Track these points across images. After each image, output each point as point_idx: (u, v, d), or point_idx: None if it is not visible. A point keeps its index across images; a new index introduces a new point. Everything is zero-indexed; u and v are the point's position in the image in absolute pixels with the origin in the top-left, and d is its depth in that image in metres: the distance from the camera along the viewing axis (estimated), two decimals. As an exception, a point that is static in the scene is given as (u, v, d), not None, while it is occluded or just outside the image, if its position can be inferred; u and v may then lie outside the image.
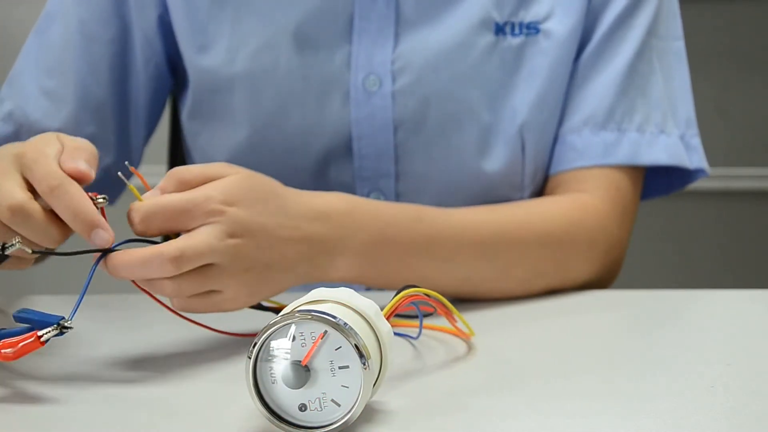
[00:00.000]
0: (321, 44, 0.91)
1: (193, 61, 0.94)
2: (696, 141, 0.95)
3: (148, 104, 0.98)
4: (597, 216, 0.89)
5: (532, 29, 0.92)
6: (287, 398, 0.52)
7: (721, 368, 0.65)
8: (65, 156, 0.65)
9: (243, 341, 0.71)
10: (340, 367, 0.52)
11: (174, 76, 0.99)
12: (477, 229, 0.81)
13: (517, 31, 0.92)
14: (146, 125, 0.99)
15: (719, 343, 0.72)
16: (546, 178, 0.96)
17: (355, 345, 0.51)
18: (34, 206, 0.62)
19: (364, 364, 0.51)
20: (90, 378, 0.63)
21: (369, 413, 0.55)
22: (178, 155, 1.16)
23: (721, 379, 0.62)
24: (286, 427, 0.52)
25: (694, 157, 0.95)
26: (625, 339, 0.74)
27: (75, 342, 0.72)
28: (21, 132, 0.93)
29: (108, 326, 0.77)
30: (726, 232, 2.32)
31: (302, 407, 0.52)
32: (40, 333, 0.57)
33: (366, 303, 0.55)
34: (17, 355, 0.57)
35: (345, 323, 0.51)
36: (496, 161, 0.93)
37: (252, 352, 0.52)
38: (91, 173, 0.65)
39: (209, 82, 0.94)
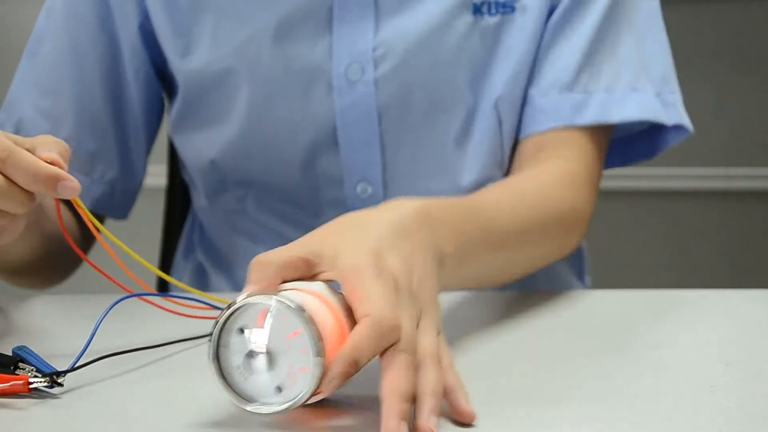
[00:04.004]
0: (302, 36, 0.91)
1: (178, 65, 0.94)
2: (674, 98, 0.94)
3: (144, 114, 0.98)
4: (583, 187, 0.90)
5: (507, 8, 0.92)
6: (262, 387, 0.53)
7: (721, 368, 0.65)
8: (40, 147, 0.66)
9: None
10: (290, 336, 0.52)
11: (163, 82, 0.99)
12: (513, 216, 0.81)
13: (493, 10, 0.92)
14: (146, 135, 0.99)
15: (719, 343, 0.72)
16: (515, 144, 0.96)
17: (290, 305, 0.52)
18: None
19: (304, 317, 0.52)
20: (87, 375, 0.62)
21: (362, 414, 0.55)
22: (178, 156, 1.16)
23: (721, 379, 0.62)
24: (275, 411, 0.53)
25: (672, 113, 0.94)
26: (624, 339, 0.74)
27: (71, 339, 0.72)
28: None
29: (103, 325, 0.77)
30: (726, 232, 2.32)
31: (279, 388, 0.53)
32: (31, 380, 0.58)
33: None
34: (0, 393, 0.58)
35: (275, 292, 0.53)
36: (478, 140, 0.93)
37: (212, 367, 0.53)
38: (62, 162, 0.66)
39: (195, 85, 0.94)
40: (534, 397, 0.59)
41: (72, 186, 0.65)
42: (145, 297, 0.70)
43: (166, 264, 1.15)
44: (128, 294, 0.67)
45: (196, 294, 0.71)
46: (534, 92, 0.93)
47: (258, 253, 0.98)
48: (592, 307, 0.82)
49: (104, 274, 0.69)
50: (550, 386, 0.61)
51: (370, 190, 0.94)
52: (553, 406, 0.57)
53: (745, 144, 2.27)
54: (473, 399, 0.58)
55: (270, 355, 0.53)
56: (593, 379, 0.63)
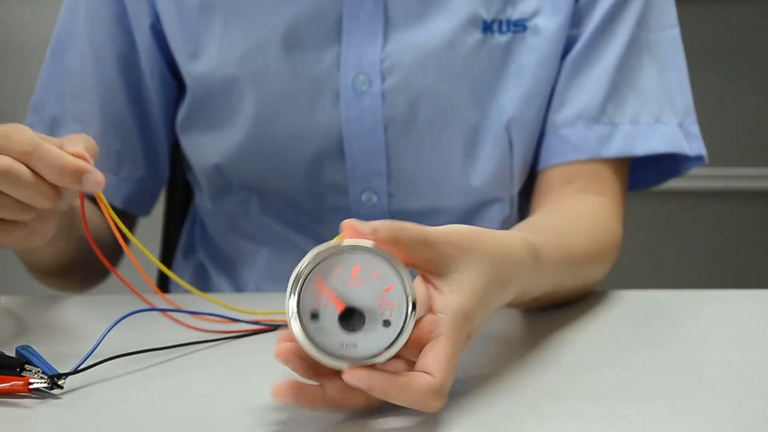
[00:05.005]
0: (310, 45, 0.92)
1: (186, 68, 0.94)
2: (695, 128, 0.95)
3: (163, 113, 0.99)
4: (617, 220, 0.91)
5: (519, 26, 0.92)
6: (336, 339, 0.53)
7: (721, 368, 0.65)
8: (67, 143, 0.68)
9: (240, 339, 0.71)
10: (385, 291, 0.53)
11: (178, 81, 0.99)
12: (579, 239, 0.81)
13: (504, 28, 0.92)
14: (167, 134, 1.00)
15: (719, 343, 0.72)
16: (533, 173, 0.96)
17: (391, 262, 0.53)
18: (21, 166, 0.65)
19: (403, 278, 0.53)
20: (89, 375, 0.63)
21: (357, 415, 0.56)
22: (180, 156, 1.17)
23: (721, 379, 0.63)
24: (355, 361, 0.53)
25: (693, 144, 0.95)
26: (624, 339, 0.74)
27: (79, 340, 0.73)
28: None
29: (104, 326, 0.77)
30: (726, 232, 2.33)
31: (354, 344, 0.53)
32: (31, 380, 0.58)
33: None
34: (1, 392, 0.58)
35: (372, 245, 0.53)
36: (485, 159, 0.94)
37: (291, 312, 0.53)
38: (88, 156, 0.68)
39: (202, 88, 0.94)
40: (533, 395, 0.59)
41: (96, 179, 0.66)
42: (166, 312, 0.70)
43: (166, 263, 1.16)
44: (140, 309, 0.68)
45: (199, 295, 0.72)
46: (558, 122, 0.93)
47: (261, 255, 0.99)
48: (591, 308, 0.82)
49: (121, 279, 0.69)
50: (549, 385, 0.62)
51: (375, 199, 0.94)
52: (553, 405, 0.58)
53: (745, 144, 2.27)
54: (479, 396, 0.58)
55: (363, 314, 0.53)
56: (593, 378, 0.63)
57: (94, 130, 0.95)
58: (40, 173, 0.65)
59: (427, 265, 0.57)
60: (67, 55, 0.96)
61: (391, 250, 0.54)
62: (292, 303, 0.53)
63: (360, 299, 0.53)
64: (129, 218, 1.01)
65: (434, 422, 0.55)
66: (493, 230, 0.62)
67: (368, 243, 0.54)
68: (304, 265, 0.53)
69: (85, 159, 0.67)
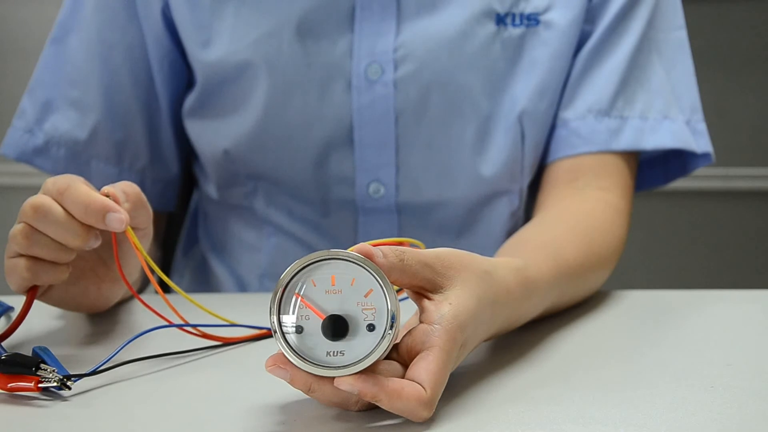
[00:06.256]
0: (323, 33, 0.92)
1: (198, 56, 0.95)
2: (702, 126, 0.96)
3: (171, 103, 0.99)
4: (624, 218, 0.91)
5: (532, 20, 0.93)
6: (319, 347, 0.54)
7: (721, 368, 0.65)
8: (110, 186, 0.70)
9: (245, 343, 0.71)
10: (365, 296, 0.54)
11: (190, 68, 0.99)
12: (576, 251, 0.81)
13: (517, 21, 0.93)
14: (174, 124, 1.00)
15: (719, 343, 0.72)
16: (542, 166, 0.97)
17: (366, 267, 0.54)
18: (55, 204, 0.66)
19: (381, 280, 0.53)
20: (99, 378, 0.63)
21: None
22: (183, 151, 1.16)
23: (721, 379, 0.63)
24: (346, 369, 0.53)
25: (701, 142, 0.96)
26: (625, 339, 0.74)
27: (75, 342, 0.73)
28: (51, 144, 0.95)
29: (107, 327, 0.77)
30: (726, 232, 2.32)
31: (341, 352, 0.54)
32: (42, 380, 0.59)
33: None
34: (11, 390, 0.59)
35: (346, 253, 0.54)
36: (495, 151, 0.94)
37: (275, 330, 0.54)
38: (120, 197, 0.69)
39: (213, 76, 0.95)
40: (533, 396, 0.59)
41: (119, 218, 0.66)
42: (183, 327, 0.70)
43: (165, 261, 1.16)
44: (159, 326, 0.69)
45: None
46: (569, 115, 0.94)
47: (264, 249, 1.00)
48: (591, 308, 0.83)
49: (150, 309, 0.69)
50: (549, 384, 0.62)
51: (382, 190, 0.94)
52: (553, 406, 0.58)
53: (745, 144, 2.27)
54: (478, 396, 0.58)
55: (347, 321, 0.54)
56: (593, 378, 0.63)
57: (95, 119, 0.96)
58: (69, 210, 0.66)
59: (427, 285, 0.58)
60: (70, 42, 0.96)
61: (371, 256, 0.55)
62: (274, 321, 0.54)
63: (342, 307, 0.54)
64: (155, 215, 1.02)
65: (433, 417, 0.55)
66: (479, 255, 0.63)
67: (342, 252, 0.54)
68: (282, 281, 0.54)
69: (115, 199, 0.68)
